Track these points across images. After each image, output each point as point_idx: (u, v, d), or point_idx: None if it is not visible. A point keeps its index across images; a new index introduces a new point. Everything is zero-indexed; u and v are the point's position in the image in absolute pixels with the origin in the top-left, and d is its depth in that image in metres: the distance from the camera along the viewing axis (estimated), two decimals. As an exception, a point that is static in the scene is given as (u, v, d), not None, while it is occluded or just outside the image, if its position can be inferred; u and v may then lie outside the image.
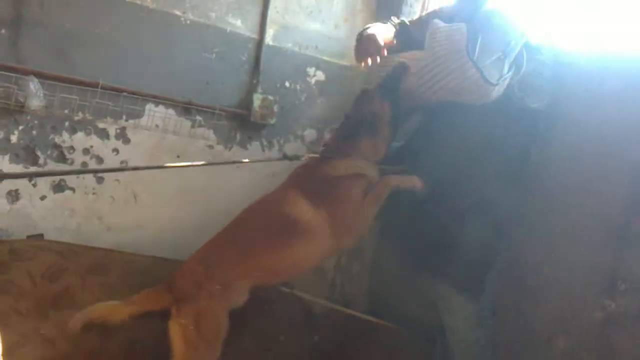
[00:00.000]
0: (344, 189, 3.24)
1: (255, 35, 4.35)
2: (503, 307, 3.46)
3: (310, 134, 4.63)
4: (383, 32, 3.44)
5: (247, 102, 4.32)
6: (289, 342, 3.59)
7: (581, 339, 3.20)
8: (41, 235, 3.68)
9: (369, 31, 3.41)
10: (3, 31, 3.53)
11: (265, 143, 4.46)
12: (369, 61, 3.30)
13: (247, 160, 4.20)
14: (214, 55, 4.21)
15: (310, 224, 3.14)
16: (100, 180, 3.93)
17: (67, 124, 3.81)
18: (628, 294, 3.02)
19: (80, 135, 3.85)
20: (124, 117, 3.95)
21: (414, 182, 3.29)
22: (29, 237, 3.63)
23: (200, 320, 2.95)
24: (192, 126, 4.18)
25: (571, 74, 3.41)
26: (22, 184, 3.70)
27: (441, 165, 3.28)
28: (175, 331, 2.95)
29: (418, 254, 3.44)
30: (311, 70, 4.58)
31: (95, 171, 3.87)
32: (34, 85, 3.55)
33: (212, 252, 3.16)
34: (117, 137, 3.96)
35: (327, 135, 4.57)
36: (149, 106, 4.02)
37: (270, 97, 4.36)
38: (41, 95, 3.59)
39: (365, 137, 3.36)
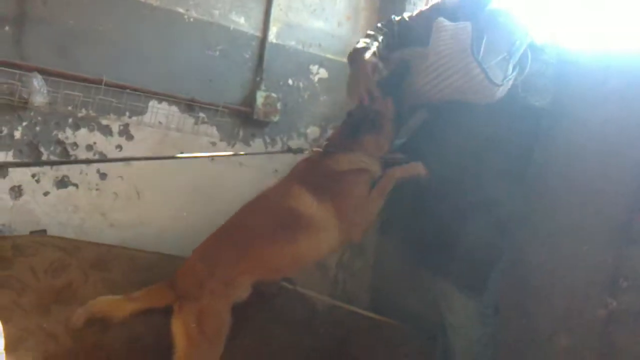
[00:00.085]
0: (348, 184, 3.24)
1: (258, 33, 4.36)
2: (506, 305, 3.46)
3: (313, 131, 4.64)
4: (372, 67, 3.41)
5: (250, 100, 4.33)
6: (290, 338, 3.59)
7: (583, 337, 3.20)
8: (44, 231, 3.68)
9: (360, 68, 3.41)
10: (7, 28, 3.54)
11: (268, 140, 4.47)
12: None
13: (251, 153, 4.21)
14: (217, 52, 4.22)
15: (315, 217, 3.12)
16: (103, 177, 3.94)
17: (70, 120, 3.81)
18: (630, 291, 3.02)
19: (83, 131, 3.86)
20: (127, 113, 3.96)
21: (418, 169, 3.28)
22: (32, 232, 3.64)
23: (203, 317, 2.95)
24: (195, 123, 4.19)
25: (574, 72, 3.42)
26: (25, 180, 3.71)
27: (444, 163, 3.28)
28: (178, 328, 2.94)
29: (420, 251, 3.43)
30: (314, 68, 4.59)
31: (101, 161, 3.90)
32: (37, 81, 3.56)
33: (214, 248, 3.15)
34: (121, 133, 3.96)
35: (330, 132, 4.58)
36: (152, 103, 4.03)
37: (274, 95, 4.36)
38: (45, 91, 3.60)
39: (368, 134, 3.35)
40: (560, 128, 3.40)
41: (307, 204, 3.14)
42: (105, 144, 3.93)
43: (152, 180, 4.04)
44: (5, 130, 3.62)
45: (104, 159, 3.91)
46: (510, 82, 3.25)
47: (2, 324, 2.54)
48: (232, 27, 4.24)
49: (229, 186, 4.23)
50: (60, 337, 3.31)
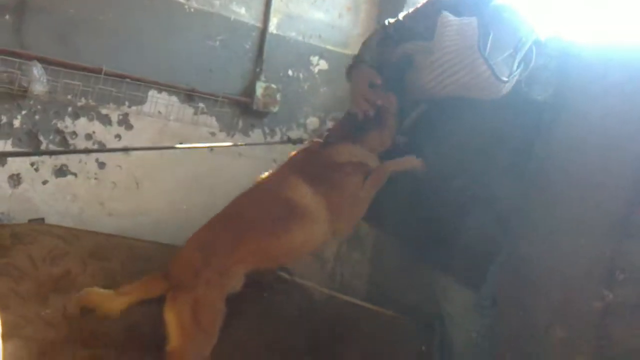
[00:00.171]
0: (345, 176, 3.21)
1: (259, 24, 4.36)
2: (503, 297, 3.45)
3: (312, 122, 4.65)
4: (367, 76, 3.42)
5: (250, 90, 4.34)
6: (288, 329, 3.59)
7: (580, 329, 3.20)
8: (42, 220, 3.70)
9: (356, 82, 3.42)
10: (7, 17, 3.55)
11: (267, 131, 4.48)
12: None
13: (251, 143, 4.21)
14: (218, 43, 4.22)
15: (309, 208, 3.10)
16: (102, 166, 3.95)
17: (70, 109, 3.83)
18: (627, 284, 3.01)
19: (82, 120, 3.87)
20: (127, 103, 3.97)
21: (413, 162, 3.26)
22: (30, 221, 3.66)
23: (198, 308, 2.93)
24: (195, 113, 4.20)
25: (576, 66, 3.40)
26: (24, 168, 3.72)
27: (446, 157, 3.27)
28: (171, 319, 2.92)
29: (420, 245, 3.43)
30: (314, 59, 4.60)
31: (100, 151, 3.92)
32: (37, 70, 3.57)
33: (209, 237, 3.12)
34: (120, 123, 3.98)
35: (330, 124, 4.58)
36: (152, 93, 4.04)
37: (273, 86, 4.37)
38: (44, 80, 3.61)
39: (371, 130, 3.35)
40: (561, 121, 3.38)
41: (303, 194, 3.11)
42: (105, 133, 3.94)
43: (151, 170, 4.05)
44: (4, 119, 3.63)
45: (102, 148, 3.94)
46: (516, 78, 3.25)
47: (0, 311, 2.55)
48: (232, 17, 4.25)
49: (228, 176, 4.23)
50: (57, 325, 3.32)
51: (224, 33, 4.23)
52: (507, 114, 3.22)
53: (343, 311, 3.83)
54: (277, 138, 4.50)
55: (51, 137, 3.78)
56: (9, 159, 3.65)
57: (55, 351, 3.33)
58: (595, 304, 3.12)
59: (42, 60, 3.60)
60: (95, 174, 3.95)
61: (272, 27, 4.39)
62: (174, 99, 4.11)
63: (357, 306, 3.92)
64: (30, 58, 3.57)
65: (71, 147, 3.84)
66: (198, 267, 2.96)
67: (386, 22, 3.58)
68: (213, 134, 4.27)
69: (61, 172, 3.83)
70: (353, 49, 4.48)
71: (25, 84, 3.55)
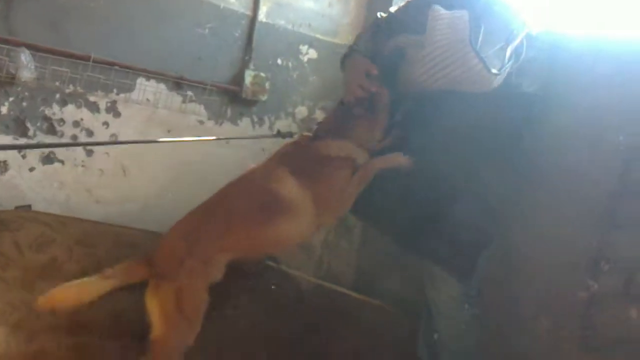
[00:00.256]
0: (333, 170, 3.20)
1: (248, 12, 4.35)
2: (490, 286, 3.47)
3: (301, 111, 4.64)
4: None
5: (238, 79, 4.33)
6: (274, 317, 3.60)
7: (565, 318, 3.23)
8: (29, 207, 3.69)
9: (350, 70, 3.43)
10: (-5, 3, 3.53)
11: (256, 120, 4.47)
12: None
13: (240, 137, 4.21)
14: (207, 30, 4.21)
15: (295, 202, 3.10)
16: (89, 153, 3.94)
17: (57, 96, 3.81)
18: (611, 274, 3.04)
19: (70, 107, 3.86)
20: (115, 90, 3.96)
21: (399, 160, 3.25)
22: (17, 207, 3.64)
23: (181, 296, 2.92)
24: (183, 101, 4.19)
25: (565, 58, 3.42)
26: (10, 155, 3.71)
27: (435, 149, 3.27)
28: (154, 307, 2.92)
29: (408, 234, 3.44)
30: (304, 48, 4.59)
31: (89, 144, 3.91)
32: (25, 57, 3.55)
33: (193, 226, 3.11)
34: (108, 110, 3.97)
35: (318, 113, 4.58)
36: (140, 80, 4.03)
37: (262, 74, 4.36)
38: (32, 67, 3.60)
39: (361, 118, 3.34)
40: (550, 113, 3.40)
41: (289, 187, 3.11)
42: (92, 121, 3.93)
43: (139, 157, 4.05)
44: (-9, 105, 3.62)
45: (92, 142, 3.92)
46: (507, 71, 3.25)
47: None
48: (222, 5, 4.24)
49: (215, 164, 4.22)
50: (42, 313, 3.31)
51: (213, 21, 4.22)
52: (497, 105, 3.22)
53: (330, 300, 3.84)
54: (265, 127, 4.49)
55: (39, 124, 3.77)
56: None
57: (41, 338, 3.33)
58: (580, 294, 3.15)
59: (30, 47, 3.58)
60: (83, 161, 3.94)
61: (262, 16, 4.38)
62: (162, 86, 4.10)
63: (344, 295, 3.94)
64: (18, 44, 3.55)
65: (58, 134, 3.82)
66: (182, 255, 2.95)
67: (379, 15, 3.58)
68: (201, 122, 4.27)
69: (48, 159, 3.82)
70: (342, 38, 4.50)
71: (12, 71, 3.54)
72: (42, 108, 3.78)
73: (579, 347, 3.13)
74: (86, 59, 3.78)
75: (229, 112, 4.37)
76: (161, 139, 3.99)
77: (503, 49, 3.19)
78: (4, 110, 3.65)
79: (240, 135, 4.28)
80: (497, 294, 3.54)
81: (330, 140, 3.27)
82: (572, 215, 3.27)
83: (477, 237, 3.30)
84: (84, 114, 3.90)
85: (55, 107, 3.81)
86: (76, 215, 3.74)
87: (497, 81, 3.20)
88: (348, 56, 3.48)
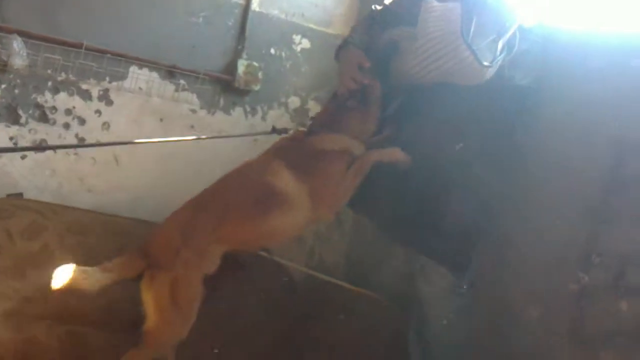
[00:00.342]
0: (328, 164, 3.20)
1: (242, 1, 4.33)
2: (481, 277, 3.49)
3: (294, 101, 4.63)
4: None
5: (231, 68, 4.32)
6: (265, 307, 3.61)
7: (555, 309, 3.24)
8: (21, 194, 3.69)
9: (344, 62, 3.43)
10: (-13, -11, 3.51)
11: (248, 109, 4.46)
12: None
13: (235, 135, 4.19)
14: (201, 19, 4.20)
15: (290, 195, 3.10)
16: (81, 142, 3.93)
17: (50, 84, 3.81)
18: (602, 267, 3.05)
19: (62, 95, 3.85)
20: (107, 78, 3.95)
21: (397, 155, 3.25)
22: (8, 195, 3.64)
23: (176, 288, 2.92)
24: (176, 90, 4.18)
25: (557, 51, 3.43)
26: (2, 143, 3.69)
27: (427, 141, 3.28)
28: (149, 298, 2.92)
29: (400, 226, 3.44)
30: (297, 38, 4.57)
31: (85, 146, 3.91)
32: (17, 44, 3.54)
33: (189, 217, 3.11)
34: (100, 98, 3.96)
35: (311, 103, 4.58)
36: (133, 69, 4.02)
37: (255, 64, 4.35)
38: (24, 54, 3.58)
39: (354, 110, 3.34)
40: (542, 106, 3.41)
41: (285, 180, 3.11)
42: (85, 109, 3.93)
43: (130, 146, 4.01)
44: (-17, 93, 3.61)
45: (86, 144, 3.92)
46: (499, 64, 3.26)
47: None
48: (215, -7, 4.23)
49: (207, 154, 4.20)
50: (34, 301, 3.31)
51: (207, 10, 4.20)
52: (490, 98, 3.24)
53: (321, 291, 3.85)
54: (258, 117, 4.48)
55: (31, 112, 3.76)
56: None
57: (32, 327, 3.33)
58: (571, 286, 3.16)
59: (22, 34, 3.57)
60: (75, 149, 3.93)
61: (255, 5, 4.36)
62: (155, 75, 4.09)
63: (336, 286, 3.95)
64: (10, 31, 3.54)
65: (50, 122, 3.83)
66: (177, 247, 2.95)
67: (373, 8, 3.58)
68: (194, 111, 4.26)
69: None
70: (336, 29, 4.49)
71: (5, 58, 3.53)
72: (34, 95, 3.77)
73: (569, 339, 3.14)
74: (78, 46, 3.77)
75: (221, 101, 4.36)
76: (162, 139, 3.97)
77: (495, 42, 3.19)
78: (-4, 97, 3.65)
79: (236, 134, 4.26)
80: (488, 285, 3.55)
81: (325, 134, 3.28)
82: (563, 208, 3.28)
83: (471, 231, 3.32)
84: (76, 101, 3.90)
85: (48, 95, 3.80)
86: (68, 203, 3.74)
87: (489, 73, 3.21)
88: (342, 48, 3.49)
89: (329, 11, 4.63)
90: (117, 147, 3.99)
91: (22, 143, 3.76)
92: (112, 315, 3.42)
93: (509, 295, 3.47)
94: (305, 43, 4.60)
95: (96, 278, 2.87)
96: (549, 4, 3.52)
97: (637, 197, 2.96)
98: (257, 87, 4.38)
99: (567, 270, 3.19)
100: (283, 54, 4.54)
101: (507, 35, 3.23)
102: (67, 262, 2.90)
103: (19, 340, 3.24)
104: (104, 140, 3.99)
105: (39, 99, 3.78)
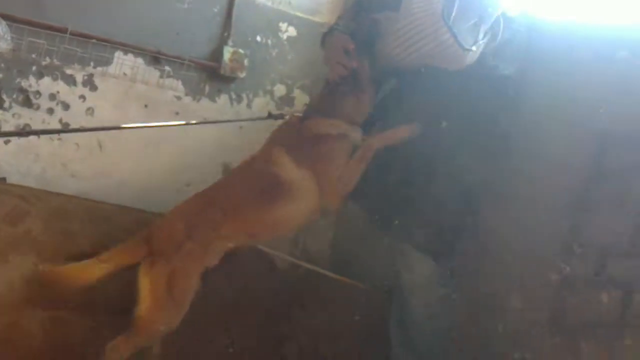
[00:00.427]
0: (329, 148, 3.22)
1: (228, -13, 4.31)
2: (463, 267, 3.50)
3: (279, 89, 4.61)
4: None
5: (217, 55, 4.29)
6: (247, 295, 3.61)
7: (536, 299, 3.26)
8: (4, 179, 3.66)
9: (330, 48, 3.44)
10: (-30, -28, 3.49)
11: (234, 97, 4.44)
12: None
13: (232, 120, 4.17)
14: (186, 5, 4.17)
15: (295, 183, 3.11)
16: (65, 127, 3.90)
17: (34, 68, 3.78)
18: (583, 258, 3.07)
19: (47, 80, 3.83)
20: (92, 64, 3.93)
21: (401, 135, 3.25)
22: (-9, 180, 3.63)
23: (174, 279, 2.94)
24: (161, 76, 4.15)
25: (541, 41, 3.44)
26: (-16, 127, 3.68)
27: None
28: (145, 285, 2.93)
29: (386, 217, 3.45)
30: (283, 26, 4.55)
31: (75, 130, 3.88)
32: (1, 28, 3.52)
33: (196, 210, 3.14)
34: (84, 83, 3.93)
35: (297, 92, 4.57)
36: (118, 54, 3.99)
37: (241, 51, 4.32)
38: (8, 38, 3.56)
39: (347, 95, 3.33)
40: (526, 97, 3.42)
41: (289, 169, 3.12)
42: (69, 94, 3.90)
43: (115, 132, 4.00)
44: (-34, 76, 3.59)
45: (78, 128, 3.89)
46: (481, 49, 3.26)
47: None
48: (202, -20, 4.21)
49: (192, 139, 4.20)
50: (17, 286, 3.31)
51: (193, -5, 4.19)
52: (473, 86, 3.25)
53: (304, 279, 3.85)
54: (243, 104, 4.46)
55: (14, 96, 3.74)
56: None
57: (14, 312, 3.33)
58: (552, 277, 3.18)
59: (6, 18, 3.54)
60: (59, 134, 3.90)
61: (241, -9, 4.35)
62: (140, 61, 4.07)
63: (319, 274, 3.94)
64: (-6, 15, 3.52)
65: (34, 107, 3.81)
66: (181, 238, 2.99)
67: None
68: (179, 97, 4.23)
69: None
70: (323, 17, 4.48)
71: (-12, 42, 3.51)
72: (18, 80, 3.75)
73: (550, 328, 3.16)
74: (63, 31, 3.74)
75: (207, 88, 4.33)
76: (153, 124, 3.95)
77: (477, 25, 3.21)
78: (-21, 81, 3.63)
79: (231, 118, 4.25)
80: (470, 274, 3.57)
81: (320, 118, 3.28)
82: (546, 198, 3.30)
83: (454, 219, 3.33)
84: (61, 86, 3.88)
85: (32, 79, 3.78)
86: (51, 188, 3.72)
87: (470, 58, 3.22)
88: (328, 34, 3.48)
89: (315, -1, 4.63)
90: (101, 133, 3.97)
91: (6, 127, 3.73)
92: (95, 301, 3.41)
93: (491, 284, 3.49)
94: (292, 31, 4.58)
95: (93, 270, 2.88)
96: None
97: (619, 188, 2.98)
98: (242, 75, 4.36)
99: (549, 261, 3.21)
100: (269, 42, 4.52)
101: (490, 21, 3.24)
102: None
103: (1, 325, 3.25)
104: (88, 125, 3.97)
105: (22, 84, 3.76)
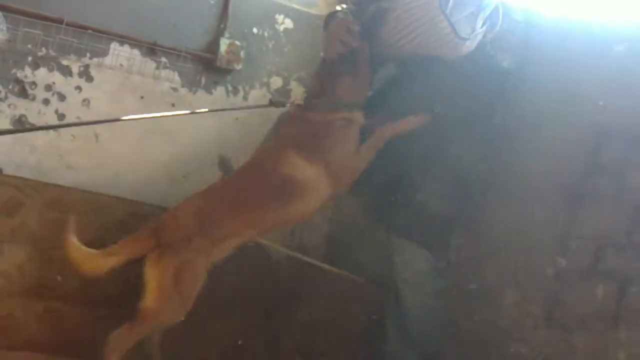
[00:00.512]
0: (337, 138, 3.21)
1: (224, -21, 4.30)
2: (459, 260, 3.51)
3: (276, 81, 4.60)
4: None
5: (213, 47, 4.28)
6: (243, 287, 3.61)
7: (531, 293, 3.27)
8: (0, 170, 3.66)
9: (332, 27, 3.40)
10: (-35, -38, 3.47)
11: (230, 89, 4.43)
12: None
13: (235, 108, 4.17)
14: (183, -4, 4.18)
15: (308, 180, 3.10)
16: (61, 118, 3.90)
17: (30, 59, 3.78)
18: (579, 252, 3.07)
19: (42, 71, 3.82)
20: (88, 55, 3.92)
21: (411, 124, 3.23)
22: (-14, 171, 3.62)
23: (181, 273, 2.93)
24: (157, 68, 4.15)
25: (539, 35, 3.44)
26: (-19, 118, 3.68)
27: (404, 113, 3.27)
28: (152, 278, 2.92)
29: (379, 206, 3.45)
30: (280, 18, 4.54)
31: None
32: (-3, 18, 3.52)
33: (208, 206, 3.14)
34: (80, 74, 3.93)
35: (293, 84, 4.57)
36: (114, 45, 3.98)
37: (237, 43, 4.32)
38: (4, 28, 3.56)
39: (345, 75, 3.31)
40: (524, 89, 3.43)
41: (301, 169, 3.11)
42: (65, 85, 3.90)
43: (111, 123, 4.00)
44: (-38, 67, 3.58)
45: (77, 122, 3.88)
46: (479, 38, 3.26)
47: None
48: (198, -29, 4.20)
49: (188, 131, 4.19)
50: (12, 277, 3.31)
51: (189, -13, 4.18)
52: (471, 75, 3.25)
53: (300, 271, 3.85)
54: (240, 96, 4.45)
55: (10, 87, 3.73)
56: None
57: (9, 303, 3.33)
58: (547, 270, 3.19)
59: (2, 8, 3.55)
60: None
61: (238, -17, 4.34)
62: (136, 52, 4.06)
63: (315, 266, 3.94)
64: (-11, 5, 3.51)
65: (30, 97, 3.80)
66: (191, 233, 2.98)
67: None
68: (175, 89, 4.22)
69: (20, 122, 3.78)
70: (319, 9, 4.47)
71: (-16, 32, 3.50)
72: (14, 70, 3.74)
73: (545, 321, 3.17)
74: (59, 21, 3.73)
75: (203, 80, 4.32)
76: (161, 114, 3.94)
77: (474, 15, 3.21)
78: (-25, 71, 3.62)
79: (231, 107, 4.24)
80: (466, 267, 3.57)
81: (322, 106, 3.27)
82: (542, 192, 3.30)
83: (449, 212, 3.33)
84: (57, 77, 3.87)
85: (28, 70, 3.77)
86: (47, 180, 3.72)
87: (467, 47, 3.23)
88: (331, 17, 3.47)
89: (312, -9, 4.61)
90: (98, 125, 3.96)
91: (1, 118, 3.73)
92: (90, 291, 3.42)
93: (487, 277, 3.50)
94: (288, 23, 4.57)
95: (102, 262, 2.88)
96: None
97: (615, 182, 2.99)
98: (239, 67, 4.35)
99: (545, 254, 3.21)
100: (266, 34, 4.51)
101: (489, 10, 3.24)
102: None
103: (-3, 316, 3.25)
104: (85, 118, 3.96)
105: (18, 74, 3.75)
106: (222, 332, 3.55)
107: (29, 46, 3.72)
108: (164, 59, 4.15)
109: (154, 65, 4.13)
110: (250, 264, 3.61)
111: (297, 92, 4.50)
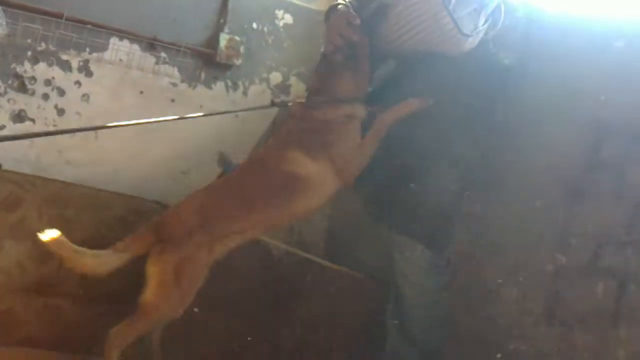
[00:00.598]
0: (340, 134, 3.21)
1: (224, -26, 4.30)
2: (458, 256, 3.51)
3: (275, 77, 4.60)
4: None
5: (213, 42, 4.27)
6: (243, 284, 3.61)
7: (531, 289, 3.27)
8: (-1, 166, 3.67)
9: (333, 20, 3.39)
10: (-35, -44, 3.46)
11: (230, 84, 4.43)
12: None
13: (236, 110, 4.16)
14: (182, -9, 4.17)
15: (311, 176, 3.11)
16: (61, 112, 3.90)
17: (29, 53, 3.77)
18: (579, 249, 3.08)
19: (42, 65, 3.81)
20: (88, 49, 3.91)
21: (412, 107, 3.22)
22: (-14, 167, 3.62)
23: (182, 268, 2.93)
24: (157, 63, 4.14)
25: (540, 31, 3.44)
26: (-21, 113, 3.67)
27: (409, 115, 3.28)
28: (153, 273, 2.93)
29: (379, 203, 3.45)
30: (279, 13, 4.53)
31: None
32: (-4, 13, 3.51)
33: (211, 202, 3.13)
34: (80, 69, 3.92)
35: (292, 79, 4.57)
36: (114, 40, 3.97)
37: (237, 38, 4.31)
38: (4, 23, 3.55)
39: (345, 70, 3.30)
40: (524, 87, 3.43)
41: (302, 164, 3.10)
42: (64, 80, 3.89)
43: (111, 119, 3.98)
44: (-39, 61, 3.57)
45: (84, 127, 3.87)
46: (481, 35, 3.26)
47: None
48: (198, -34, 4.19)
49: (187, 128, 4.17)
50: (11, 273, 3.31)
51: (189, -18, 4.17)
52: (474, 75, 3.24)
53: (301, 268, 3.85)
54: (239, 92, 4.45)
55: (9, 82, 3.73)
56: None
57: (9, 299, 3.33)
58: (547, 267, 3.19)
59: (1, 3, 3.53)
60: (54, 120, 3.89)
61: (238, -22, 4.33)
62: (136, 47, 4.05)
63: (316, 263, 3.94)
64: (-12, 0, 3.50)
65: (29, 92, 3.80)
66: (193, 229, 2.97)
67: None
68: (175, 84, 4.22)
69: (19, 117, 3.78)
70: (319, 5, 4.46)
71: (-17, 27, 3.50)
72: (13, 65, 3.73)
73: (545, 318, 3.18)
74: (59, 16, 3.72)
75: (202, 75, 4.32)
76: (166, 118, 3.93)
77: (477, 12, 3.20)
78: (-26, 66, 3.61)
79: (233, 107, 4.23)
80: (466, 263, 3.57)
81: (324, 103, 3.26)
82: (543, 188, 3.30)
83: (450, 208, 3.33)
84: (56, 72, 3.86)
85: (27, 65, 3.77)
86: (46, 176, 3.71)
87: (470, 44, 3.22)
88: (332, 10, 3.45)
89: (312, -14, 4.61)
90: (96, 120, 3.96)
91: (1, 113, 3.73)
92: (90, 287, 3.41)
93: (486, 274, 3.50)
94: (288, 18, 4.57)
95: (109, 260, 2.88)
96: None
97: (614, 178, 2.99)
98: (238, 62, 4.34)
99: (545, 251, 3.22)
100: (265, 29, 4.51)
101: (491, 7, 3.23)
102: (47, 235, 2.89)
103: (-3, 312, 3.25)
104: (84, 113, 3.97)
105: (18, 69, 3.74)
106: (222, 328, 3.56)
107: (29, 41, 3.71)
108: (163, 54, 4.14)
109: (153, 60, 4.12)
110: (251, 260, 3.62)
111: (297, 88, 4.50)
